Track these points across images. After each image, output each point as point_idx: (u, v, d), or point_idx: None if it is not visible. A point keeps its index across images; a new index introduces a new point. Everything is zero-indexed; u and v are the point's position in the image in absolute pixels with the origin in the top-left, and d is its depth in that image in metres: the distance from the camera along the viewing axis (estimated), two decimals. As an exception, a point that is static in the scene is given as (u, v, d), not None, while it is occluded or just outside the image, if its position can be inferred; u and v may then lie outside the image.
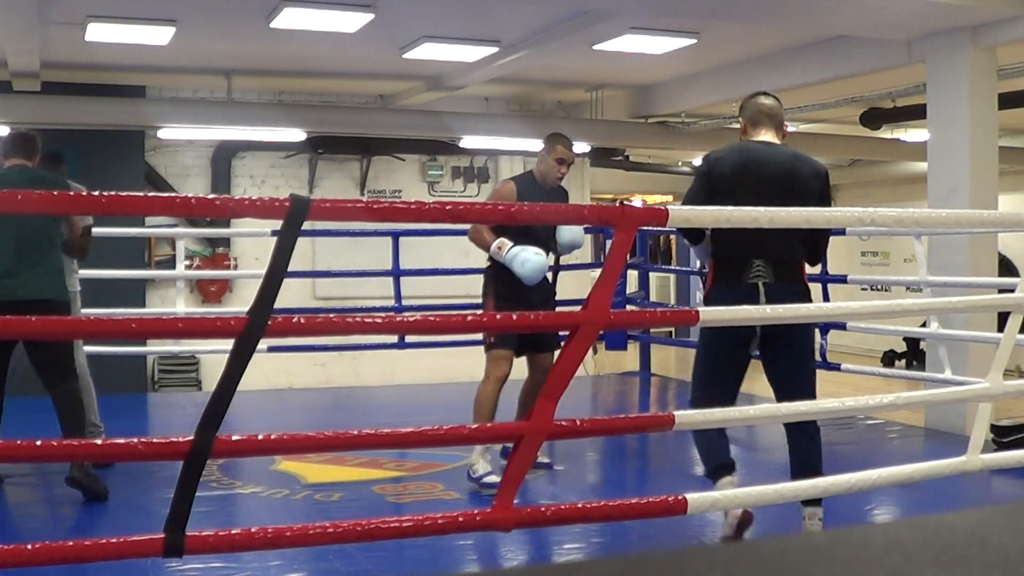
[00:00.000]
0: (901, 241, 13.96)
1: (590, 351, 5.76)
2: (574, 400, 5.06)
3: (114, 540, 2.89)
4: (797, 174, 4.14)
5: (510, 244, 5.13)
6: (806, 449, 4.13)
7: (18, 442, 2.70)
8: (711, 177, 4.18)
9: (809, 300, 4.19)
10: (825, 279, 7.44)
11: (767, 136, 4.26)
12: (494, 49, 8.73)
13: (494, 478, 4.90)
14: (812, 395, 4.18)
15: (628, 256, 4.66)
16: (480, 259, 5.94)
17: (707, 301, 4.18)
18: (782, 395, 4.09)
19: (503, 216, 4.39)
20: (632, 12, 7.42)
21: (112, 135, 10.20)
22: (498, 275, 5.33)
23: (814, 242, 4.27)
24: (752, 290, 4.01)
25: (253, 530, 2.90)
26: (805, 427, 4.09)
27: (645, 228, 8.04)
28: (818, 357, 7.70)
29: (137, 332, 3.68)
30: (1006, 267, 11.15)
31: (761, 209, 3.55)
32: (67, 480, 4.75)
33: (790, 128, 12.46)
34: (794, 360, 4.18)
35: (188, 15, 7.62)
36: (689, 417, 3.77)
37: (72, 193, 3.95)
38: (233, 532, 2.92)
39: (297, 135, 10.71)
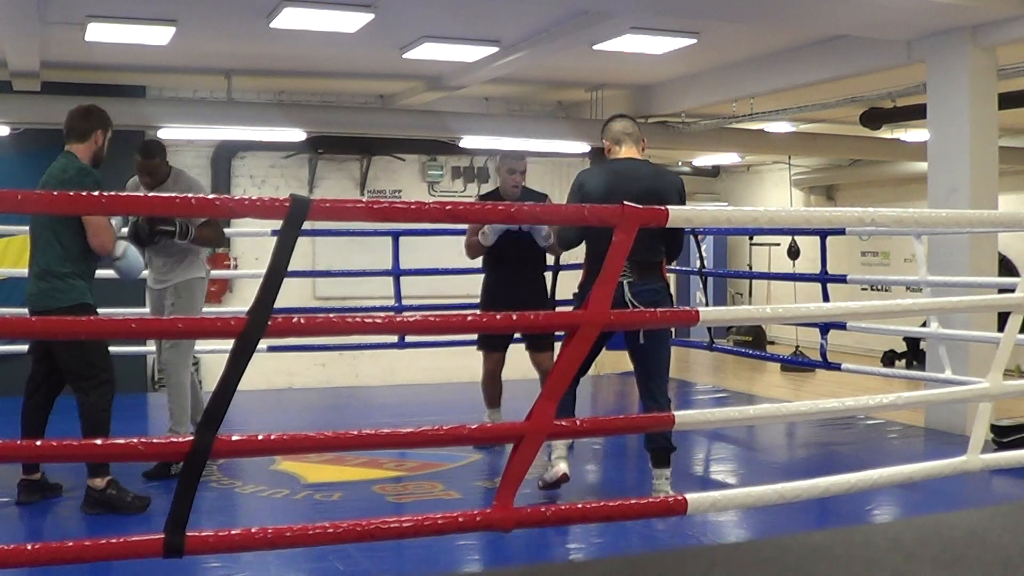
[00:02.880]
0: (901, 241, 13.96)
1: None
2: (574, 400, 5.06)
3: (114, 540, 2.89)
4: (657, 188, 4.78)
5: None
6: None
7: (18, 442, 2.69)
8: (583, 192, 4.86)
9: (668, 294, 4.89)
10: (825, 279, 7.44)
11: (629, 153, 4.99)
12: (494, 49, 8.72)
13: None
14: (661, 378, 4.83)
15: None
16: (480, 259, 6.11)
17: (579, 294, 4.88)
18: (637, 371, 4.86)
19: (503, 216, 4.40)
20: (632, 12, 7.41)
21: (112, 135, 10.19)
22: (484, 284, 6.14)
23: (670, 244, 4.92)
24: (618, 287, 4.46)
25: (253, 530, 2.90)
26: (656, 399, 4.79)
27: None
28: (818, 357, 7.73)
29: (137, 332, 3.68)
30: (1006, 267, 11.15)
31: (760, 209, 3.62)
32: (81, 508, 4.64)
33: (790, 128, 12.50)
34: (646, 349, 4.78)
35: (188, 15, 7.62)
36: (689, 417, 3.78)
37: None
38: (233, 532, 2.92)
39: (297, 135, 10.70)
